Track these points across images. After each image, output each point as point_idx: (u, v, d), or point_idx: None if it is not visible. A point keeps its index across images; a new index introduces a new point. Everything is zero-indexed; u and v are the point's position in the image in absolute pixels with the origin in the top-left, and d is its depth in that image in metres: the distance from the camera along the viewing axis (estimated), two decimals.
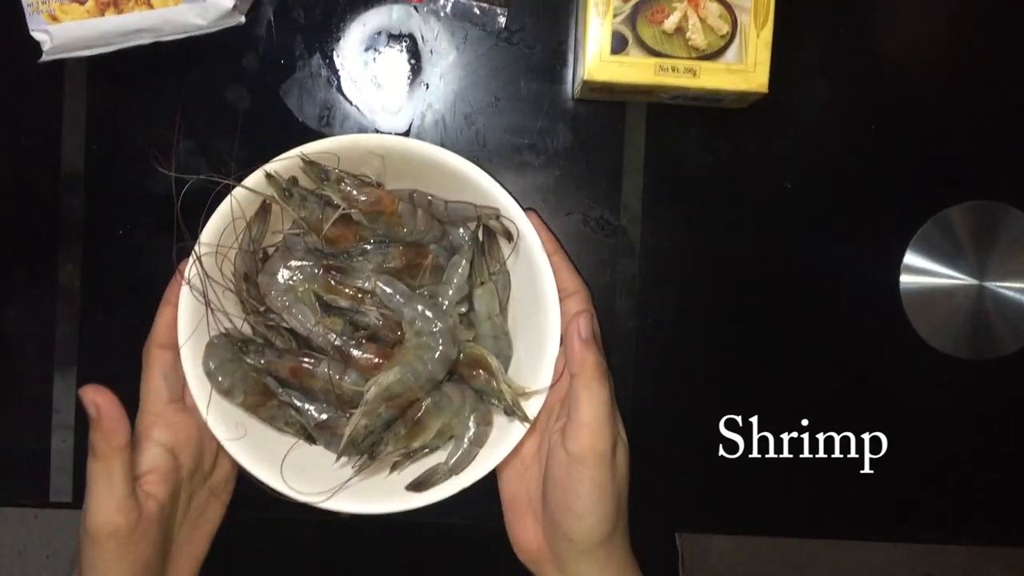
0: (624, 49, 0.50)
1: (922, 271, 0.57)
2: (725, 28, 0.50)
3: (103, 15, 0.51)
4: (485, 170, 0.49)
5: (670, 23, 0.49)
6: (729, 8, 0.50)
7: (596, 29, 0.50)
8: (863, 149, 0.57)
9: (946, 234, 0.57)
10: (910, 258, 0.57)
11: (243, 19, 0.54)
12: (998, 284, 0.57)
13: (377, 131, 0.56)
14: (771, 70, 0.50)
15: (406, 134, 0.56)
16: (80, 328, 0.56)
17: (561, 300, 0.49)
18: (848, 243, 0.58)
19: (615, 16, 0.50)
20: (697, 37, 0.50)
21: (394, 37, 0.55)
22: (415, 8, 0.55)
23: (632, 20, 0.50)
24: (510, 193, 0.49)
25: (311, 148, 0.49)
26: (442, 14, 0.55)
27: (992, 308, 0.57)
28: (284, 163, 0.49)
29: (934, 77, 0.57)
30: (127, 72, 0.55)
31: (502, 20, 0.55)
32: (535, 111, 0.56)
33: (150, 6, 0.51)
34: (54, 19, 0.51)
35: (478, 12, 0.54)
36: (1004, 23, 0.57)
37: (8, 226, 0.57)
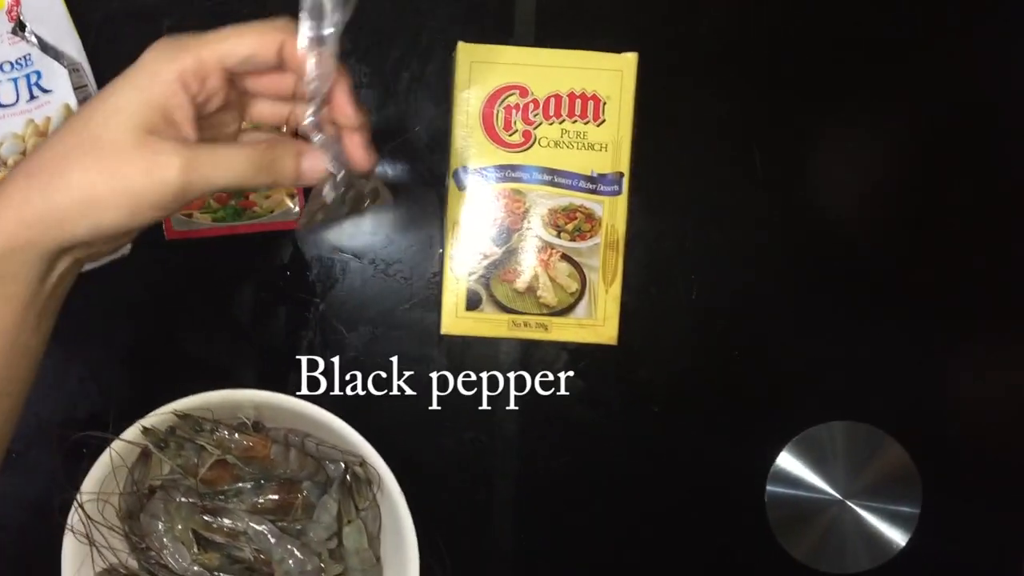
0: (479, 306, 0.52)
1: (792, 479, 0.59)
2: (575, 286, 0.52)
3: None
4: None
5: (521, 282, 0.52)
6: (579, 267, 0.52)
7: (452, 286, 0.52)
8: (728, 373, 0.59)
9: (822, 445, 0.59)
10: (784, 459, 0.59)
11: (128, 250, 0.56)
12: (860, 503, 0.59)
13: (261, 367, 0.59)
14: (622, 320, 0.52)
15: (293, 364, 0.59)
16: None
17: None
18: (724, 443, 0.60)
19: (470, 275, 0.52)
20: (547, 295, 0.52)
21: (278, 268, 0.58)
22: (294, 235, 0.58)
23: (486, 279, 0.52)
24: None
25: (184, 404, 0.52)
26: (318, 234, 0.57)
27: (851, 526, 0.59)
28: (159, 418, 0.52)
29: None
30: None
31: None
32: (411, 339, 0.58)
33: None
34: None
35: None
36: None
37: None
